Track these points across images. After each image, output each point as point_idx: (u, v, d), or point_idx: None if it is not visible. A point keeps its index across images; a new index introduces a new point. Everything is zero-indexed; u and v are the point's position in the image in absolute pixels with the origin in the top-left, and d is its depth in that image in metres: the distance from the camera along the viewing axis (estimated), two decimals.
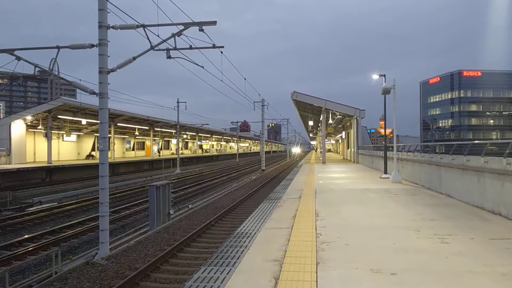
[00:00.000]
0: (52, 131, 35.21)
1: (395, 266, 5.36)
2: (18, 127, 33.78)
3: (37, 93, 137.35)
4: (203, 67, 14.17)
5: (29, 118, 34.06)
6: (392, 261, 5.58)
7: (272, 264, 5.60)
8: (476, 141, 12.71)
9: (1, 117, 41.91)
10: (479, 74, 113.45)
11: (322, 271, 5.24)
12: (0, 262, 10.50)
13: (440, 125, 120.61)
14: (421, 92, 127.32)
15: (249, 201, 20.38)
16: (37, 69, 12.24)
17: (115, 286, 8.02)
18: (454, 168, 11.65)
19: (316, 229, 7.75)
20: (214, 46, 12.56)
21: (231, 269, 5.55)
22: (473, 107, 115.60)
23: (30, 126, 35.64)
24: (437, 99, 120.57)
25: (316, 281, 4.88)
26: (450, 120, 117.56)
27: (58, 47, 11.73)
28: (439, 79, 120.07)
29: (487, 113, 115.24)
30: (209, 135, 77.77)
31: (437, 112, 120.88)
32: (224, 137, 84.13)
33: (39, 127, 35.08)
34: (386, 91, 17.95)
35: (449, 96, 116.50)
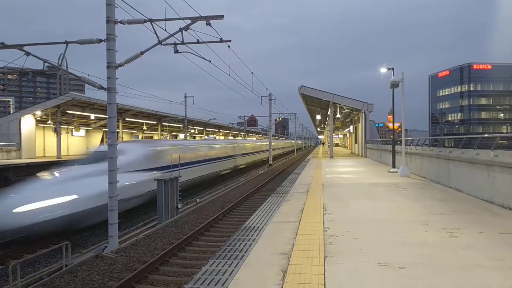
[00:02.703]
0: (61, 126, 35.50)
1: (403, 259, 5.34)
2: (27, 122, 34.10)
3: (46, 88, 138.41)
4: (210, 61, 14.17)
5: (38, 113, 34.35)
6: (400, 255, 5.57)
7: (280, 258, 5.62)
8: (486, 135, 12.57)
9: (11, 112, 42.33)
10: (489, 67, 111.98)
11: (330, 264, 5.25)
12: (11, 255, 10.66)
13: (449, 119, 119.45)
14: (430, 86, 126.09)
15: (257, 195, 20.42)
16: (46, 64, 12.34)
17: (124, 279, 8.11)
18: (463, 162, 11.55)
19: (323, 223, 7.75)
20: (221, 40, 12.54)
21: (239, 262, 5.58)
22: (483, 101, 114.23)
23: (40, 121, 35.95)
24: (446, 93, 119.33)
25: (324, 274, 4.89)
26: (459, 114, 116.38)
27: (66, 42, 11.79)
28: (448, 72, 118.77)
29: (497, 106, 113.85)
30: (216, 130, 77.89)
31: (446, 106, 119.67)
32: (232, 132, 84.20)
33: (49, 122, 35.37)
34: (394, 85, 17.80)
35: (459, 90, 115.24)
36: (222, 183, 28.13)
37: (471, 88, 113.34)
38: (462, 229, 6.97)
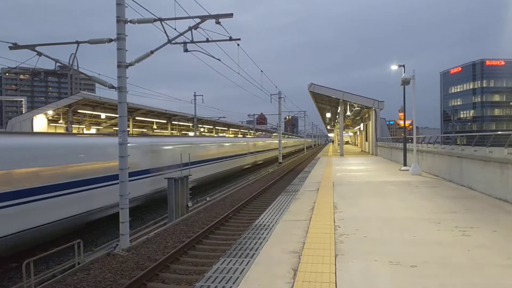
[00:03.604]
0: (73, 125, 35.87)
1: (415, 258, 5.29)
2: (40, 122, 34.49)
3: (58, 88, 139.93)
4: (219, 60, 14.18)
5: (50, 112, 34.72)
6: (412, 254, 5.52)
7: (290, 256, 5.61)
8: (500, 132, 12.38)
9: (24, 112, 42.91)
10: (502, 63, 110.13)
11: (341, 263, 5.23)
12: (25, 253, 10.80)
13: (462, 116, 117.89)
14: (442, 83, 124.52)
15: (267, 193, 20.40)
16: (57, 64, 12.47)
17: (135, 277, 8.17)
18: (476, 159, 11.40)
19: (334, 222, 7.72)
20: (230, 39, 12.54)
21: (249, 260, 5.58)
22: (496, 97, 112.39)
23: (51, 121, 36.34)
24: (459, 90, 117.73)
25: (335, 272, 4.87)
26: (472, 111, 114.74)
27: (77, 42, 11.89)
28: (460, 69, 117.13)
29: (511, 103, 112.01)
30: (226, 128, 78.07)
31: (458, 103, 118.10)
32: (241, 130, 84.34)
33: (60, 121, 35.76)
34: (405, 82, 17.64)
35: (471, 86, 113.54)
36: (231, 182, 28.19)
37: (484, 85, 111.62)
38: (475, 228, 6.88)
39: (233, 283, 4.78)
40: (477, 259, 5.27)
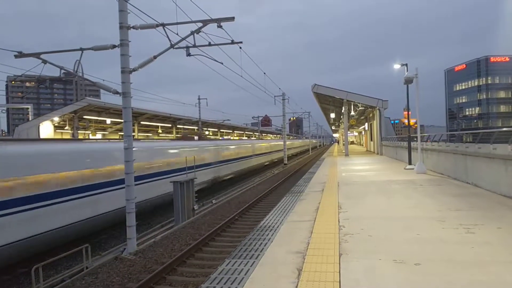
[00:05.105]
0: (78, 131, 36.11)
1: (419, 256, 5.32)
2: (46, 128, 34.72)
3: (63, 94, 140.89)
4: (222, 63, 14.26)
5: (56, 119, 34.97)
6: (416, 252, 5.54)
7: (295, 256, 5.66)
8: (504, 129, 12.33)
9: (30, 119, 43.25)
10: (507, 59, 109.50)
11: (345, 262, 5.27)
12: (34, 258, 10.93)
13: (467, 113, 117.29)
14: (446, 80, 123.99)
15: (272, 195, 20.45)
16: (62, 71, 12.62)
17: (143, 280, 8.25)
18: (481, 157, 11.38)
19: (339, 221, 7.75)
20: (232, 42, 12.63)
21: (254, 261, 5.63)
22: (502, 94, 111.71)
23: (58, 127, 36.56)
24: (463, 87, 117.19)
25: (339, 272, 4.91)
26: (477, 108, 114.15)
27: (81, 49, 12.03)
28: (465, 66, 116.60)
29: None
30: (230, 131, 78.14)
31: (464, 100, 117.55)
32: (246, 132, 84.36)
33: (66, 127, 36.01)
34: (408, 81, 17.61)
35: (476, 83, 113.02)
36: (237, 184, 28.24)
37: (489, 82, 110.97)
38: (480, 225, 6.89)
39: (238, 284, 4.84)
40: (481, 256, 5.29)
